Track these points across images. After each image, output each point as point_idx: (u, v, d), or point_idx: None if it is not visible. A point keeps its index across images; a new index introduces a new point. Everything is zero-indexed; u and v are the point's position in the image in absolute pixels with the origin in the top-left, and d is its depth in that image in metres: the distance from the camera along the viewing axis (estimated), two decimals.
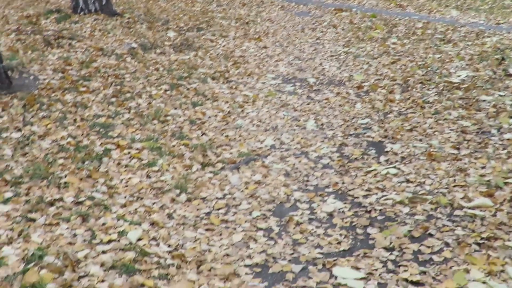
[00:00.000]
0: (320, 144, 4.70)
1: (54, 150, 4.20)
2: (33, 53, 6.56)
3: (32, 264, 2.84)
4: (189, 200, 3.73)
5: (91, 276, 2.82)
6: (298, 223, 3.50)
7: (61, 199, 3.53)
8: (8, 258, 2.87)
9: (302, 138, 4.83)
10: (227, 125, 5.09)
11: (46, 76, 5.78)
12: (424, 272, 2.93)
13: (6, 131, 4.38)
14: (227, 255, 3.14)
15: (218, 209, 3.64)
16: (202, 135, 4.82)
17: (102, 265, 2.92)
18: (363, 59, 7.57)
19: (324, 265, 3.05)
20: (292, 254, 3.17)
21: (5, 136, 4.30)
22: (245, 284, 2.89)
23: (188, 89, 5.96)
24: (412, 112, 5.38)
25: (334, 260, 3.08)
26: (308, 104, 5.77)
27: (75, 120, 4.79)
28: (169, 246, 3.18)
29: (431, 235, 3.30)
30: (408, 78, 6.49)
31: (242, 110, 5.50)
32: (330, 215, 3.60)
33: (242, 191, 3.89)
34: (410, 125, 5.04)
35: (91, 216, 3.39)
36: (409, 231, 3.32)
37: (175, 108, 5.36)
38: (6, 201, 3.41)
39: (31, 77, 5.70)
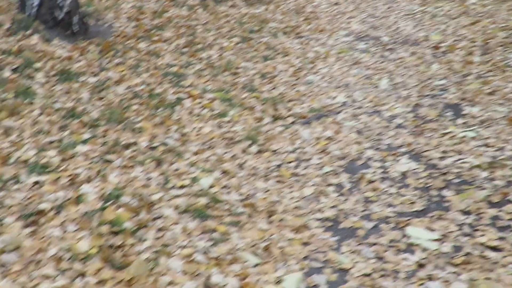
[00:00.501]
0: (394, 104, 4.57)
1: (129, 96, 4.27)
2: (108, 1, 6.64)
3: (110, 202, 2.92)
4: (260, 151, 3.72)
5: (165, 218, 2.88)
6: (370, 181, 3.43)
7: (135, 143, 3.60)
8: (87, 195, 2.97)
9: (375, 97, 4.70)
10: (298, 80, 5.02)
11: (120, 24, 5.84)
12: (503, 238, 2.82)
13: (83, 75, 4.48)
14: (298, 207, 3.14)
15: (289, 163, 3.62)
16: (272, 89, 4.78)
17: (175, 208, 2.98)
18: (440, 19, 7.23)
19: (396, 224, 2.99)
20: (364, 211, 3.13)
21: (82, 80, 4.40)
22: (316, 237, 2.88)
23: (259, 42, 5.90)
24: (493, 75, 5.12)
25: (407, 220, 3.01)
26: (381, 62, 5.59)
27: (148, 68, 4.84)
28: (240, 195, 3.20)
29: (510, 201, 3.16)
30: (489, 40, 6.16)
31: (313, 66, 5.40)
32: (403, 175, 3.51)
33: (313, 146, 3.84)
34: (490, 88, 4.80)
35: (164, 161, 3.44)
36: (487, 196, 3.19)
37: (246, 61, 5.32)
38: (84, 142, 3.52)
39: (106, 25, 5.78)
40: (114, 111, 3.97)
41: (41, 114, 3.76)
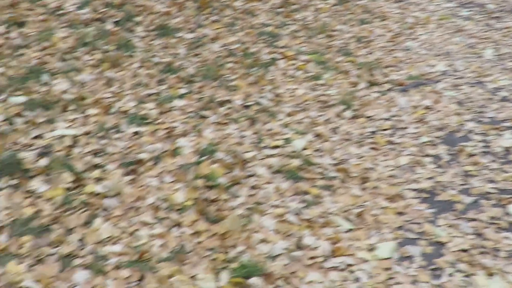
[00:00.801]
0: (499, 75, 4.29)
1: (224, 54, 4.28)
2: None
3: (205, 157, 2.97)
4: (354, 117, 3.63)
5: (258, 177, 2.89)
6: (470, 155, 3.26)
7: (229, 101, 3.62)
8: (183, 149, 3.03)
9: (478, 67, 4.44)
10: (396, 46, 4.83)
11: None
12: None
13: (181, 31, 4.53)
14: (392, 176, 3.04)
15: (384, 130, 3.51)
16: (369, 53, 4.63)
17: (268, 168, 2.97)
18: None
19: (498, 201, 2.84)
20: (463, 185, 2.99)
21: (179, 36, 4.45)
22: (411, 207, 2.79)
23: (355, 5, 5.70)
24: None
25: (510, 198, 2.85)
26: (486, 31, 5.26)
27: (243, 27, 4.82)
28: (333, 159, 3.15)
29: None
30: None
31: (412, 32, 5.17)
32: (507, 150, 3.31)
33: (410, 114, 3.70)
34: None
35: (258, 120, 3.44)
36: None
37: (342, 24, 5.18)
38: (181, 97, 3.57)
39: None
40: (209, 68, 4.00)
41: (140, 67, 3.86)
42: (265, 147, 3.18)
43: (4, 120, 3.02)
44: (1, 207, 2.39)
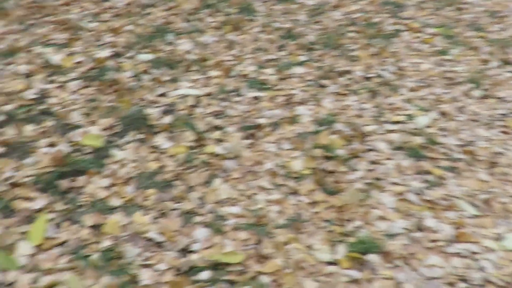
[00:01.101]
0: None
1: (345, 23, 4.15)
2: None
3: (324, 127, 2.90)
4: (483, 97, 3.39)
5: (378, 152, 2.79)
6: None
7: (349, 72, 3.50)
8: (301, 117, 2.98)
9: None
10: None
11: None
12: None
13: None
14: None
15: None
16: (502, 30, 4.30)
17: (389, 143, 2.86)
18: None
19: None
20: None
21: (300, 1, 4.37)
22: None
23: None
24: None
25: None
26: None
27: None
28: (459, 140, 2.97)
29: None
30: None
31: None
32: None
33: None
34: None
35: (379, 93, 3.31)
36: None
37: None
38: (300, 64, 3.51)
39: None
40: (330, 36, 3.90)
41: (261, 31, 3.83)
42: (385, 122, 3.06)
43: (133, 76, 3.13)
44: (129, 159, 2.49)
